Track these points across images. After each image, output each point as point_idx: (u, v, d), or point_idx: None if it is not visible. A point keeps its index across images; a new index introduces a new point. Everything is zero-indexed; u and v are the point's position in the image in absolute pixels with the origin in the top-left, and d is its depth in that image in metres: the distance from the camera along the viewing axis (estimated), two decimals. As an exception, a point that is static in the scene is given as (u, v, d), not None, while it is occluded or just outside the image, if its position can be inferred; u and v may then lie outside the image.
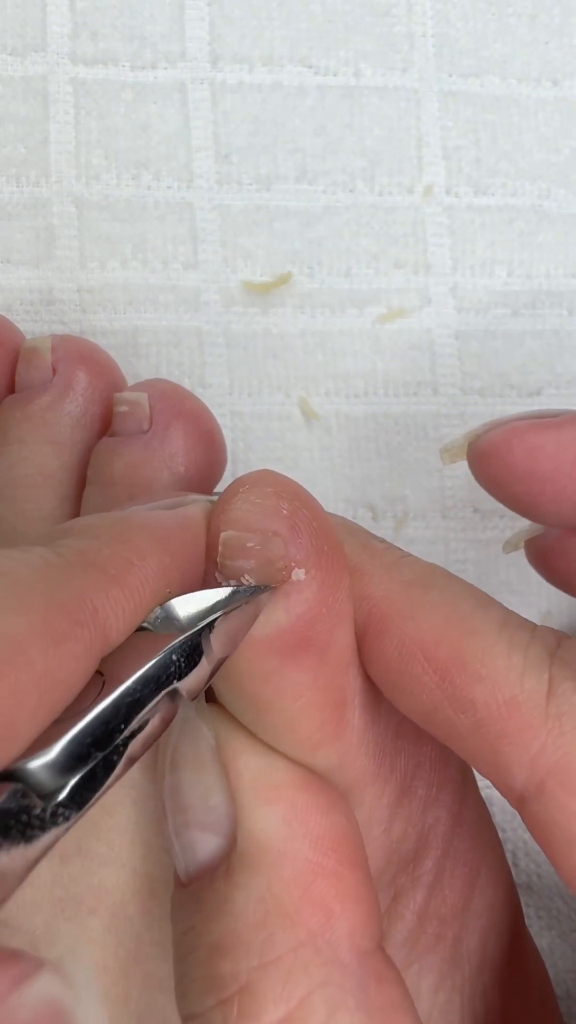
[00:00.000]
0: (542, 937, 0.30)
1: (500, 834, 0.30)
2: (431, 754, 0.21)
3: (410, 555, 0.20)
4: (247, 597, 0.18)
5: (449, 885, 0.21)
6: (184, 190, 0.31)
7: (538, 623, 0.18)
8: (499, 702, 0.17)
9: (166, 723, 0.17)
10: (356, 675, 0.19)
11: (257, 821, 0.17)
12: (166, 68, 0.32)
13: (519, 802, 0.17)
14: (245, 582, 0.18)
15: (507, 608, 0.18)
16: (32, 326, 0.31)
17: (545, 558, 0.25)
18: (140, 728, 0.16)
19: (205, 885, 0.17)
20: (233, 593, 0.18)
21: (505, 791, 0.17)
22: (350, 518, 0.31)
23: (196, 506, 0.19)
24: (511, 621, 0.18)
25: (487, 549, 0.31)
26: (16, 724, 0.14)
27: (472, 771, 0.22)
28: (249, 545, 0.18)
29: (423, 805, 0.21)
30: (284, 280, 0.31)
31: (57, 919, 0.21)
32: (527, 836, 0.31)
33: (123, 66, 0.32)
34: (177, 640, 0.17)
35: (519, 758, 0.16)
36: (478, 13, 0.33)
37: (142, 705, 0.16)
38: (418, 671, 0.18)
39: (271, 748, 0.18)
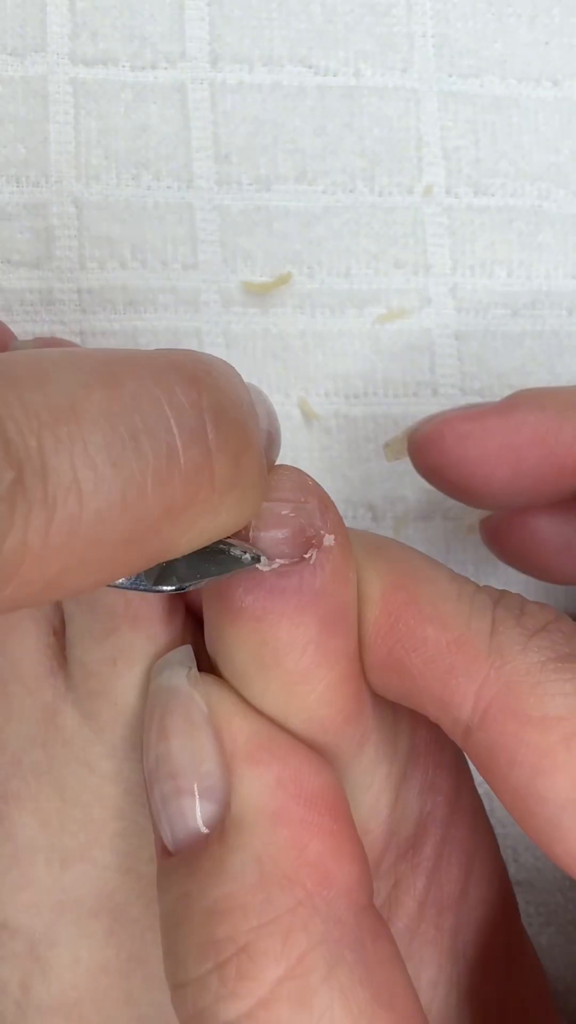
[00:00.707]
0: (541, 933, 0.30)
1: (500, 829, 0.30)
2: (426, 737, 0.21)
3: (371, 532, 0.21)
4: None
5: (447, 872, 0.21)
6: (184, 191, 0.31)
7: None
8: (448, 640, 0.18)
9: None
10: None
11: (251, 784, 0.18)
12: (166, 68, 0.32)
13: (465, 733, 0.18)
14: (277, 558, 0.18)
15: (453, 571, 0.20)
16: (32, 327, 0.31)
17: (495, 537, 0.27)
18: None
19: (199, 851, 0.18)
20: (231, 554, 0.18)
21: (452, 725, 0.18)
22: (350, 518, 0.31)
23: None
24: (459, 578, 0.20)
25: (487, 549, 0.31)
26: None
27: (467, 760, 0.22)
28: (284, 513, 0.19)
29: (420, 789, 0.21)
30: (284, 280, 0.31)
31: (58, 922, 0.21)
32: (525, 832, 0.31)
33: (123, 66, 0.32)
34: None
35: (465, 690, 0.18)
36: (478, 13, 0.33)
37: None
38: (375, 616, 0.19)
39: (261, 714, 0.19)
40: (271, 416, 0.21)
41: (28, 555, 0.14)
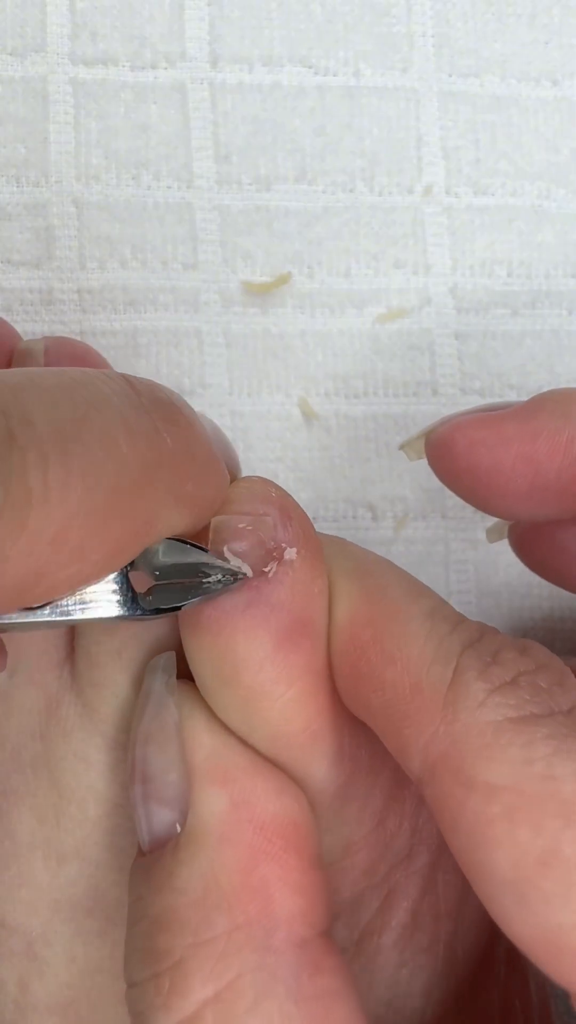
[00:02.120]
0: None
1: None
2: None
3: (356, 545, 0.20)
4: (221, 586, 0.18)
5: (444, 881, 0.21)
6: (184, 190, 0.31)
7: (539, 623, 0.19)
8: (405, 685, 0.17)
9: None
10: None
11: (205, 801, 0.18)
12: (166, 68, 0.32)
13: (418, 785, 0.17)
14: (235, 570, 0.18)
15: (442, 600, 0.19)
16: (32, 326, 0.31)
17: (522, 545, 0.25)
18: None
19: (155, 858, 0.18)
20: (213, 570, 0.18)
21: (409, 774, 0.17)
22: (350, 518, 0.31)
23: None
24: (438, 613, 0.18)
25: (487, 549, 0.31)
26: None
27: None
28: (241, 526, 0.18)
29: (416, 798, 0.21)
30: (284, 280, 0.31)
31: (54, 920, 0.21)
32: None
33: (123, 66, 0.32)
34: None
35: (416, 742, 0.17)
36: (478, 13, 0.33)
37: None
38: (343, 647, 0.18)
39: (228, 731, 0.19)
40: (216, 430, 0.21)
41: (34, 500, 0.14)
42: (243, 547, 0.18)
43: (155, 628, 0.21)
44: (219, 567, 0.18)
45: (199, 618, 0.18)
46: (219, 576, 0.18)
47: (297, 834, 0.18)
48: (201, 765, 0.18)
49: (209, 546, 0.18)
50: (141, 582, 0.18)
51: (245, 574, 0.18)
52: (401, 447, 0.24)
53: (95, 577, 0.16)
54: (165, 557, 0.18)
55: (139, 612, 0.18)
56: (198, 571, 0.18)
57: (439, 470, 0.23)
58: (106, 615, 0.18)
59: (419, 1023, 0.21)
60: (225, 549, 0.18)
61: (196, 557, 0.18)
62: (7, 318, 0.30)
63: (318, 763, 0.19)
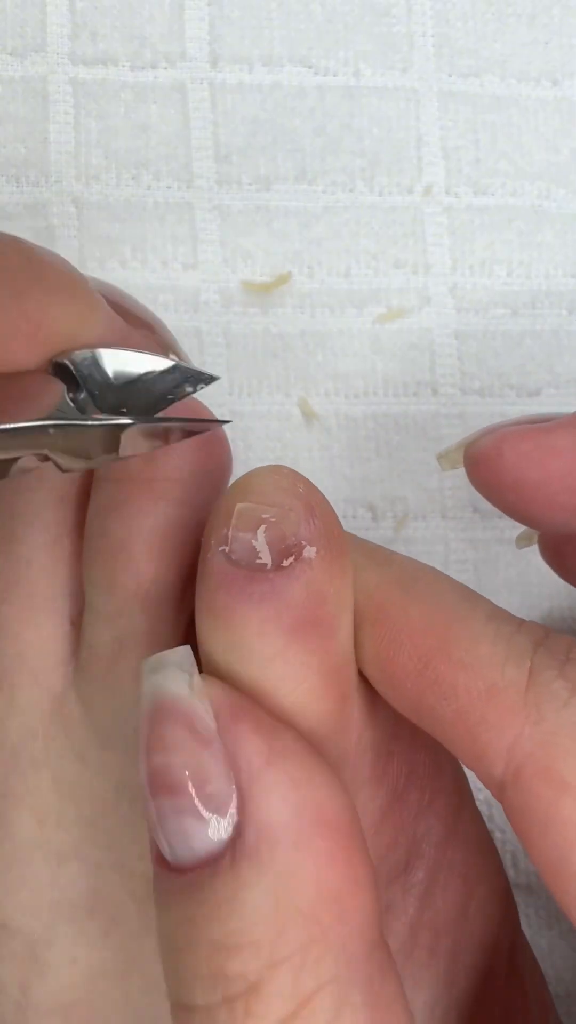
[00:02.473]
0: (542, 937, 0.30)
1: (500, 835, 0.30)
2: (425, 761, 0.21)
3: (401, 554, 0.20)
4: (177, 414, 0.18)
5: (442, 896, 0.21)
6: (184, 190, 0.31)
7: (540, 623, 0.18)
8: (480, 689, 0.17)
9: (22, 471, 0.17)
10: (355, 671, 0.19)
11: (267, 811, 0.17)
12: (166, 68, 0.32)
13: (499, 790, 0.17)
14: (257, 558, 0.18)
15: (495, 604, 0.19)
16: (32, 326, 0.31)
17: (557, 554, 0.25)
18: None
19: (207, 877, 0.16)
20: (172, 372, 0.18)
21: (486, 780, 0.17)
22: (350, 518, 0.31)
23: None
24: (498, 615, 0.18)
25: (487, 549, 0.31)
26: None
27: (468, 782, 0.22)
28: (264, 516, 0.18)
29: (415, 813, 0.21)
30: (284, 280, 0.31)
31: (55, 922, 0.21)
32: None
33: (123, 66, 0.32)
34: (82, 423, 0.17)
35: (497, 746, 0.16)
36: (478, 13, 0.33)
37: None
38: (404, 659, 0.18)
39: (281, 724, 0.18)
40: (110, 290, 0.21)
41: None
42: (262, 538, 0.18)
43: (156, 616, 0.21)
44: (177, 368, 0.18)
45: (210, 598, 0.18)
46: (184, 384, 0.18)
47: (357, 830, 0.17)
48: (257, 771, 0.17)
49: (230, 531, 0.18)
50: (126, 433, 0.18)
51: (243, 561, 0.18)
52: (438, 457, 0.24)
53: None
54: (120, 384, 0.18)
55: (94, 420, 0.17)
56: (165, 393, 0.18)
57: (480, 482, 0.22)
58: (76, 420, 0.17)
59: None
60: (239, 534, 0.18)
61: (147, 365, 0.18)
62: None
63: None
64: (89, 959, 0.21)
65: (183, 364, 0.18)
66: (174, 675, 0.18)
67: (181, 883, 0.17)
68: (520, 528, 0.30)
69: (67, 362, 0.17)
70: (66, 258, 0.19)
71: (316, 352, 0.31)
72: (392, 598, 0.18)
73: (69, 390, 0.18)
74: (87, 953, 0.21)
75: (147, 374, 0.18)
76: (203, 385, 0.18)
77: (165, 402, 0.18)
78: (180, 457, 0.21)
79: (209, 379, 0.18)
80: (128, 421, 0.18)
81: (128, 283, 0.31)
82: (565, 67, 0.33)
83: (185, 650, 0.18)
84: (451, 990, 0.21)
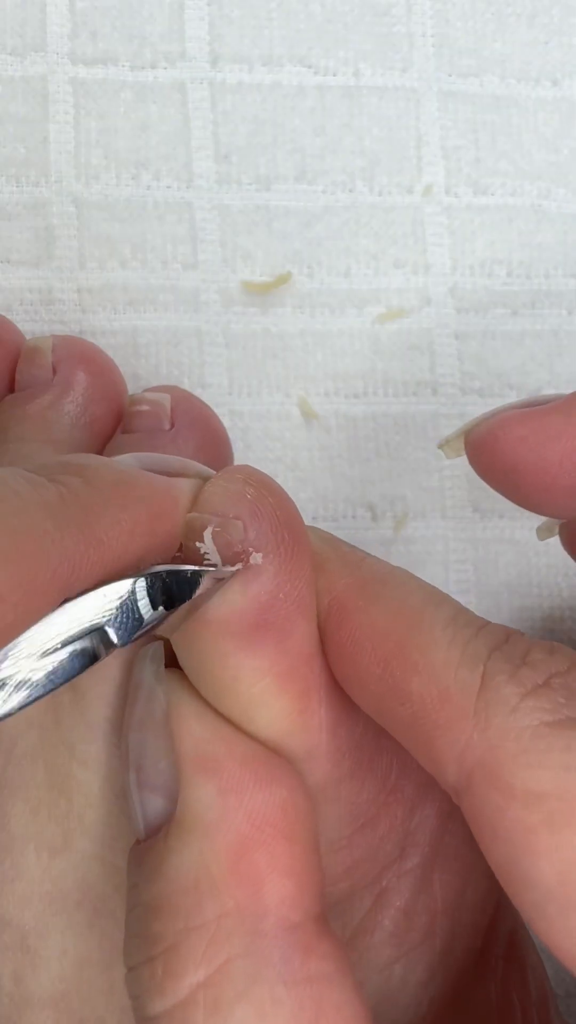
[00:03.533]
0: (542, 941, 0.30)
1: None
2: None
3: (373, 556, 0.20)
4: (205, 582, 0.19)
5: (440, 880, 0.21)
6: (184, 190, 0.31)
7: (539, 623, 0.18)
8: (433, 694, 0.17)
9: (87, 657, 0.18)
10: (322, 670, 0.19)
11: (194, 790, 0.18)
12: (166, 68, 0.32)
13: (455, 795, 0.17)
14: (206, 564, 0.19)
15: (461, 606, 0.19)
16: (32, 326, 0.31)
17: (574, 542, 0.25)
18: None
19: (148, 845, 0.18)
20: (194, 573, 0.19)
21: (443, 784, 0.17)
22: (349, 518, 0.31)
23: (188, 481, 0.20)
24: (460, 618, 0.18)
25: (487, 549, 0.31)
26: None
27: None
28: (210, 525, 0.18)
29: (411, 804, 0.21)
30: (283, 280, 0.31)
31: (46, 913, 0.21)
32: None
33: (123, 66, 0.32)
34: (112, 587, 0.18)
35: (450, 751, 0.16)
36: (477, 13, 0.33)
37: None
38: (366, 661, 0.18)
39: (220, 718, 0.19)
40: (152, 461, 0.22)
41: None
42: (209, 547, 0.19)
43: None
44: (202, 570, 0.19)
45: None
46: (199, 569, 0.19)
47: (287, 821, 0.18)
48: (189, 753, 0.18)
49: (183, 541, 0.19)
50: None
51: (213, 567, 0.19)
52: (439, 446, 0.24)
53: (23, 624, 0.17)
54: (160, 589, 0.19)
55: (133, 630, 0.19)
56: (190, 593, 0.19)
57: (481, 468, 0.22)
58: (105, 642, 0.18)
59: (416, 1018, 0.21)
60: (197, 544, 0.19)
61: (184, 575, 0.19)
62: (7, 318, 0.30)
63: (291, 759, 0.19)
64: (78, 949, 0.21)
65: (199, 569, 0.19)
66: (146, 665, 0.19)
67: (136, 851, 0.18)
68: (539, 519, 0.30)
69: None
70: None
71: (316, 352, 0.31)
72: (356, 601, 0.19)
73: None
74: (76, 944, 0.21)
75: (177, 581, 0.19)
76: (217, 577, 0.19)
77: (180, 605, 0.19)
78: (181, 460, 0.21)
79: (222, 574, 0.19)
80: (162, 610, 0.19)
81: (128, 283, 0.31)
82: (565, 67, 0.33)
83: (158, 644, 0.20)
84: (447, 970, 0.21)
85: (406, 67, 0.33)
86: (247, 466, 0.20)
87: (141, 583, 0.18)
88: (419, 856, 0.21)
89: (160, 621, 0.19)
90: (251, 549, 0.18)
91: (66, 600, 0.18)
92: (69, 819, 0.21)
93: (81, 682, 0.22)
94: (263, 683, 0.18)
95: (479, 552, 0.31)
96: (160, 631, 0.20)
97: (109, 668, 0.21)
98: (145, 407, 0.28)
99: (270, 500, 0.19)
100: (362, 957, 0.21)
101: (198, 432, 0.28)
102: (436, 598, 0.19)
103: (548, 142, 0.33)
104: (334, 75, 0.32)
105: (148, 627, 0.19)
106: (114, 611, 0.18)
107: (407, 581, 0.19)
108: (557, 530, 0.25)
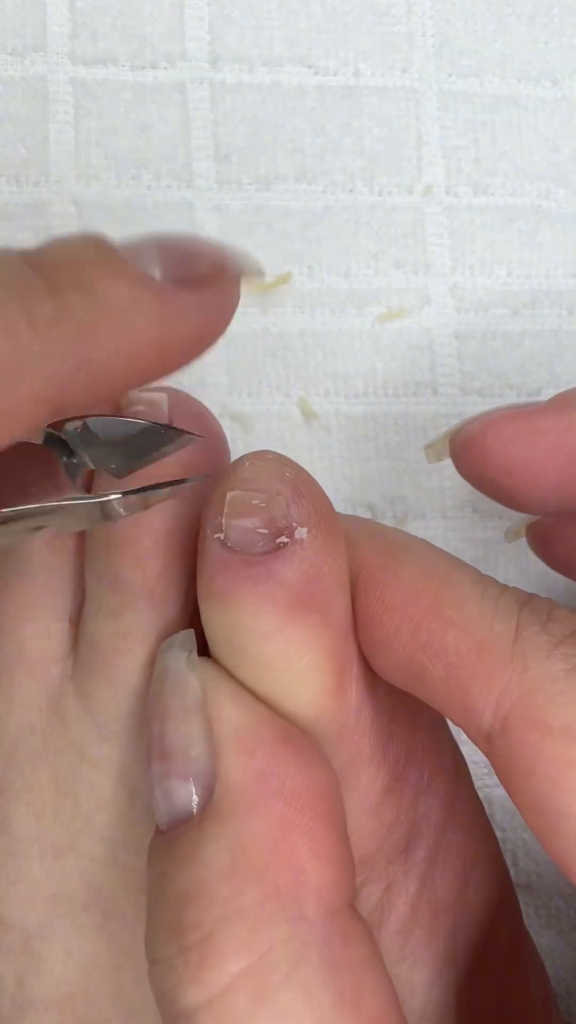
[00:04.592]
0: (541, 936, 0.30)
1: (500, 833, 0.30)
2: (424, 741, 0.21)
3: (390, 527, 0.21)
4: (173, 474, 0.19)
5: (442, 876, 0.21)
6: (184, 190, 0.31)
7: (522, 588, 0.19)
8: (469, 645, 0.17)
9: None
10: (354, 647, 0.19)
11: (233, 772, 0.18)
12: (166, 68, 0.32)
13: (487, 742, 0.17)
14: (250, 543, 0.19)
15: (481, 572, 0.19)
16: (32, 326, 0.31)
17: (544, 543, 0.26)
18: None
19: (179, 833, 0.18)
20: (153, 433, 0.19)
21: (474, 734, 0.18)
22: (350, 518, 0.31)
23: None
24: (484, 579, 0.19)
25: (487, 549, 0.31)
26: None
27: (466, 765, 0.22)
28: (254, 503, 0.19)
29: (415, 793, 0.21)
30: (284, 280, 0.31)
31: (51, 915, 0.21)
32: (527, 835, 0.31)
33: (123, 66, 0.32)
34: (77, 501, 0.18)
35: (486, 697, 0.17)
36: (477, 13, 0.33)
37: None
38: (396, 621, 0.18)
39: (256, 700, 0.19)
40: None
41: None
42: (254, 523, 0.19)
43: (161, 611, 0.21)
44: (169, 438, 0.19)
45: (209, 584, 0.19)
46: (166, 441, 0.19)
47: (325, 804, 0.18)
48: (228, 736, 0.18)
49: (224, 519, 0.19)
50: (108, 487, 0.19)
51: (239, 546, 0.18)
52: (425, 449, 0.25)
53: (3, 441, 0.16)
54: (109, 447, 0.18)
55: (81, 497, 0.18)
56: (150, 451, 0.19)
57: (467, 467, 0.23)
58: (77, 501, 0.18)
59: (421, 1017, 0.21)
60: (232, 522, 0.19)
61: (136, 430, 0.19)
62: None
63: (321, 741, 0.19)
64: (83, 952, 0.21)
65: (162, 425, 0.19)
66: (176, 653, 0.19)
67: (161, 841, 0.18)
68: (508, 523, 0.30)
69: (60, 434, 0.19)
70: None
71: (316, 352, 0.31)
72: (383, 563, 0.19)
73: (61, 455, 0.19)
74: (81, 946, 0.21)
75: (131, 436, 0.19)
76: (184, 444, 0.19)
77: (148, 460, 0.19)
78: (183, 459, 0.21)
79: (188, 440, 0.19)
80: (118, 495, 0.19)
81: (128, 283, 0.31)
82: (565, 67, 0.33)
83: (188, 632, 0.20)
84: (450, 969, 0.21)
85: (406, 67, 0.33)
86: (271, 451, 0.20)
87: None
88: (424, 850, 0.21)
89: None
90: (295, 524, 0.18)
91: (60, 421, 0.17)
92: (76, 821, 0.21)
93: (89, 686, 0.22)
94: (308, 657, 0.19)
95: (479, 552, 0.31)
96: None
97: (117, 671, 0.21)
98: (141, 407, 0.28)
99: (305, 477, 0.19)
100: None
101: (199, 431, 0.28)
102: (458, 562, 0.19)
103: (548, 142, 0.33)
104: (334, 75, 0.32)
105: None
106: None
107: (428, 547, 0.20)
108: (524, 532, 0.26)
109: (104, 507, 0.19)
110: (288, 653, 0.19)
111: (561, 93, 0.33)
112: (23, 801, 0.22)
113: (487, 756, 0.18)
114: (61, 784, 0.21)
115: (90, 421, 0.18)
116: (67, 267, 0.17)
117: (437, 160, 0.32)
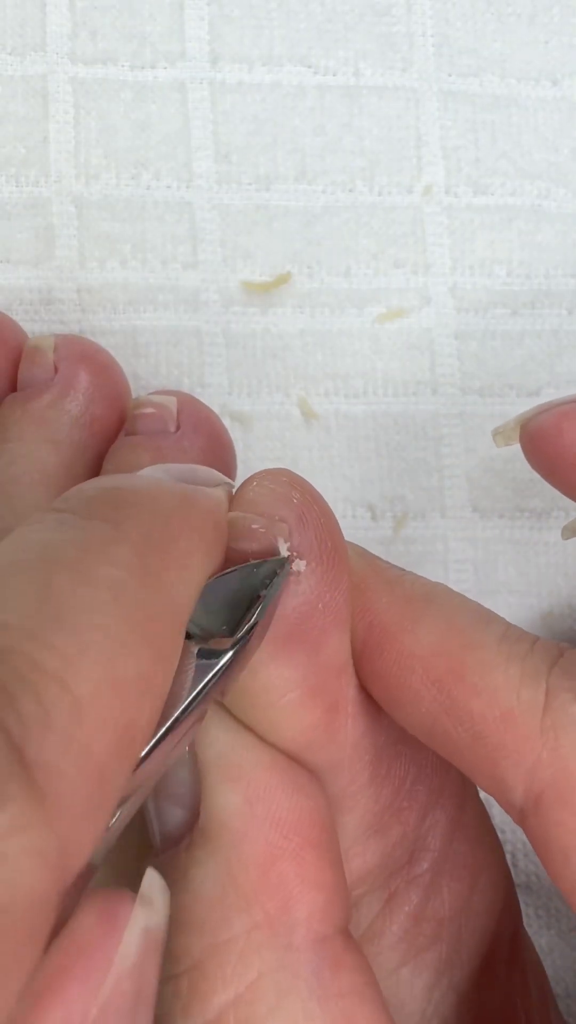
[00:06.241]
0: (541, 936, 0.30)
1: (500, 835, 0.30)
2: (432, 759, 0.21)
3: (412, 573, 0.20)
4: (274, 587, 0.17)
5: (447, 887, 0.21)
6: (183, 190, 0.31)
7: (539, 623, 0.18)
8: (496, 715, 0.16)
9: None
10: (351, 684, 0.19)
11: (219, 798, 0.17)
12: (166, 68, 0.32)
13: (520, 816, 0.16)
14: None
15: (508, 622, 0.18)
16: (32, 326, 0.31)
17: None
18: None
19: (170, 857, 0.17)
20: (257, 569, 0.17)
21: (507, 806, 0.17)
22: (349, 518, 0.31)
23: (223, 489, 0.19)
24: (511, 634, 0.18)
25: (487, 549, 0.31)
26: (138, 740, 0.14)
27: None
28: (254, 527, 0.18)
29: (423, 808, 0.21)
30: (284, 280, 0.31)
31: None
32: (526, 837, 0.31)
33: (123, 66, 0.32)
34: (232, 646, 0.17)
35: (516, 772, 0.16)
36: (477, 13, 0.33)
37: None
38: (416, 684, 0.17)
39: (244, 727, 0.18)
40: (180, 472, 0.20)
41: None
42: (253, 547, 0.18)
43: None
44: (263, 568, 0.17)
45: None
46: (268, 574, 0.17)
47: (314, 830, 0.17)
48: (214, 761, 0.18)
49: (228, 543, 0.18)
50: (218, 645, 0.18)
51: (285, 556, 0.17)
52: (493, 434, 0.23)
53: (160, 704, 0.15)
54: (212, 610, 0.17)
55: (222, 657, 0.17)
56: (252, 593, 0.17)
57: (538, 459, 0.22)
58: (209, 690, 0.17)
59: (422, 1020, 0.21)
60: (230, 545, 0.18)
61: (234, 583, 0.17)
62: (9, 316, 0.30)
63: (313, 770, 0.19)
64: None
65: (252, 563, 0.18)
66: None
67: (154, 864, 0.17)
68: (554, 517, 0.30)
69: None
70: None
71: (316, 352, 0.31)
72: (401, 620, 0.18)
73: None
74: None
75: (230, 590, 0.17)
76: (281, 567, 0.18)
77: (260, 604, 0.17)
78: (186, 460, 0.21)
79: (284, 563, 0.18)
80: (231, 654, 0.17)
81: (128, 282, 0.31)
82: (565, 67, 0.33)
83: None
84: (452, 974, 0.21)
85: (406, 67, 0.33)
86: (288, 470, 0.19)
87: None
88: (428, 862, 0.21)
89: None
90: (295, 555, 0.18)
91: None
92: None
93: None
94: (293, 695, 0.18)
95: (479, 552, 0.31)
96: None
97: None
98: (150, 410, 0.27)
99: (315, 507, 0.18)
100: (371, 961, 0.21)
101: (203, 436, 0.28)
102: (484, 615, 0.18)
103: (548, 142, 0.33)
104: (334, 75, 0.32)
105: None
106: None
107: (451, 598, 0.19)
108: (517, 438, 0.25)
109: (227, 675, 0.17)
110: (273, 688, 0.18)
111: (561, 93, 0.33)
112: None
113: (522, 828, 0.17)
114: None
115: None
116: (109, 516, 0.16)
117: (437, 160, 0.32)
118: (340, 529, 0.19)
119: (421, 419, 0.31)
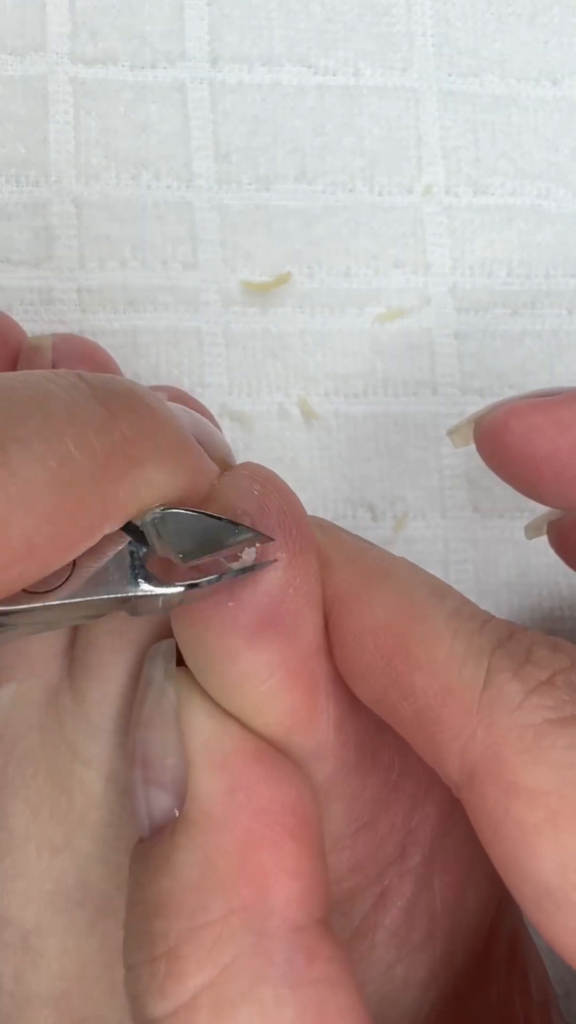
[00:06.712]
0: (541, 937, 0.30)
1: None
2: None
3: (376, 547, 0.20)
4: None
5: (440, 881, 0.21)
6: (183, 190, 0.31)
7: (539, 623, 0.18)
8: (436, 690, 0.17)
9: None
10: (328, 663, 0.19)
11: (202, 786, 0.18)
12: (165, 68, 0.32)
13: (457, 791, 0.17)
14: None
15: (465, 599, 0.18)
16: (32, 326, 0.31)
17: (564, 541, 0.25)
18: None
19: (153, 843, 0.18)
20: (227, 529, 0.18)
21: (446, 780, 0.17)
22: (349, 518, 0.31)
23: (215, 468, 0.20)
24: (464, 611, 0.18)
25: (487, 549, 0.31)
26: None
27: None
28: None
29: (412, 801, 0.21)
30: (283, 280, 0.31)
31: (47, 912, 0.21)
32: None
33: (122, 66, 0.32)
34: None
35: (452, 747, 0.16)
36: (477, 13, 0.33)
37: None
38: (368, 656, 0.18)
39: (229, 716, 0.19)
40: (198, 423, 0.21)
41: None
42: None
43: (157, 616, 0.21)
44: (241, 533, 0.18)
45: (179, 608, 0.19)
46: (243, 553, 0.18)
47: (296, 820, 0.18)
48: (198, 749, 0.18)
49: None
50: (164, 566, 0.18)
51: (267, 537, 0.18)
52: (449, 433, 0.24)
53: (45, 570, 0.16)
54: (181, 535, 0.18)
55: (149, 590, 0.18)
56: (221, 543, 0.18)
57: (490, 456, 0.22)
58: (115, 594, 0.18)
59: (418, 1020, 0.21)
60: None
61: (212, 525, 0.18)
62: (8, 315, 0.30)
63: (296, 757, 0.19)
64: (79, 949, 0.21)
65: (238, 525, 0.18)
66: (158, 663, 0.19)
67: (140, 848, 0.18)
68: (523, 519, 0.30)
69: (137, 522, 0.18)
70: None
71: (316, 352, 0.31)
72: (357, 592, 0.18)
73: (132, 542, 0.18)
74: (76, 943, 0.21)
75: (206, 529, 0.18)
76: (257, 543, 0.18)
77: (215, 551, 0.18)
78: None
79: (263, 539, 0.18)
80: (181, 589, 0.18)
81: (128, 283, 0.31)
82: (565, 67, 0.33)
83: (170, 642, 0.20)
84: (448, 970, 0.21)
85: (406, 67, 0.33)
86: (252, 463, 0.20)
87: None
88: (420, 855, 0.21)
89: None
90: (260, 548, 0.18)
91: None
92: (70, 818, 0.21)
93: (83, 683, 0.22)
94: (273, 680, 0.18)
95: (479, 552, 0.31)
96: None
97: (111, 669, 0.21)
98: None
99: (276, 496, 0.19)
100: (364, 958, 0.21)
101: (196, 433, 0.28)
102: (440, 590, 0.18)
103: (548, 142, 0.33)
104: (334, 75, 0.32)
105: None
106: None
107: (409, 573, 0.19)
108: (545, 529, 0.25)
109: (166, 598, 0.18)
110: (253, 674, 0.18)
111: (561, 93, 0.33)
112: (21, 797, 0.22)
113: (461, 802, 0.17)
114: (56, 781, 0.22)
115: (168, 512, 0.18)
116: (123, 401, 0.17)
117: (437, 160, 0.32)
118: (305, 514, 0.19)
119: (421, 419, 0.31)
